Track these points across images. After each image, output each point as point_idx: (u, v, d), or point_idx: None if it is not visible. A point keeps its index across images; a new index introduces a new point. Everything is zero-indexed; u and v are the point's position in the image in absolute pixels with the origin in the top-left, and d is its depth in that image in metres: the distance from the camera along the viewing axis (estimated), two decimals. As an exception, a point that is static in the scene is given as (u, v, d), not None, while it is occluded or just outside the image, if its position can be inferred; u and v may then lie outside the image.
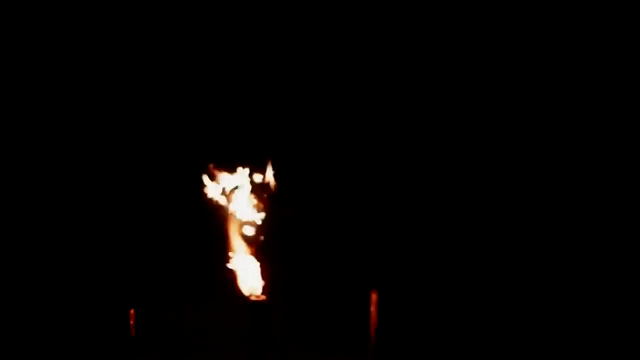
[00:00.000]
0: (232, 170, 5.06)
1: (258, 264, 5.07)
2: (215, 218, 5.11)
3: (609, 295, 7.10)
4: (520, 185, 7.83)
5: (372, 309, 5.32)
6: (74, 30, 7.73)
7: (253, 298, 5.04)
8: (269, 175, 5.08)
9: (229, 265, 5.06)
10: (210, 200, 5.08)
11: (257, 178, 5.06)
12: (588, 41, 7.58)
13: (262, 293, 5.06)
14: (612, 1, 7.48)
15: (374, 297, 5.32)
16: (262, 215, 5.07)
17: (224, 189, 5.06)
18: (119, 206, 7.87)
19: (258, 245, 5.09)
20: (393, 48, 7.94)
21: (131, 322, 5.44)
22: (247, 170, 5.06)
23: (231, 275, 5.08)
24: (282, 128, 7.93)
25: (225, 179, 5.05)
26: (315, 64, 7.96)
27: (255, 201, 5.06)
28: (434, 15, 7.83)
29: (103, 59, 7.85)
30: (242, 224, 5.09)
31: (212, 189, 5.07)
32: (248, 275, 5.05)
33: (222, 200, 5.05)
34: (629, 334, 6.62)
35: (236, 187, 5.03)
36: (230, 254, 5.08)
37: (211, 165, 5.02)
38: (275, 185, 5.06)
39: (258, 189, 5.05)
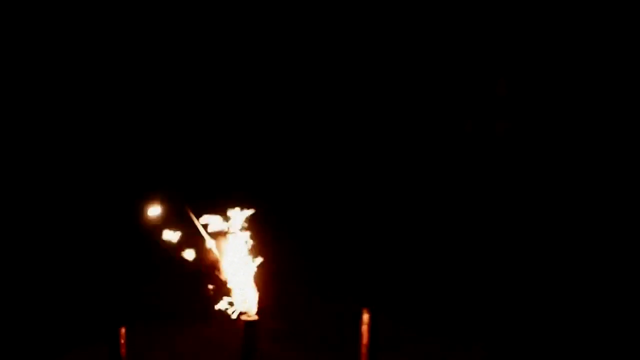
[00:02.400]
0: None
1: (252, 283, 5.07)
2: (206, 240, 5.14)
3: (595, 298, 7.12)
4: (506, 208, 7.85)
5: (364, 328, 5.32)
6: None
7: (245, 317, 5.04)
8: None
9: (224, 284, 5.06)
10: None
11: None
12: (588, 41, 7.57)
13: (255, 312, 5.06)
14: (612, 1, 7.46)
15: (365, 316, 5.32)
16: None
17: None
18: (111, 225, 7.86)
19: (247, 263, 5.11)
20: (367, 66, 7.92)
21: (122, 341, 5.42)
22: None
23: (224, 295, 5.07)
24: (277, 147, 7.93)
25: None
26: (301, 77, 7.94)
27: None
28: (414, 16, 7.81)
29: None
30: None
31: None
32: (241, 294, 5.05)
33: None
34: (629, 334, 6.63)
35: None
36: (223, 274, 5.09)
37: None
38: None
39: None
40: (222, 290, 5.16)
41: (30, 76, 7.59)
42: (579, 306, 7.15)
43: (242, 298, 5.10)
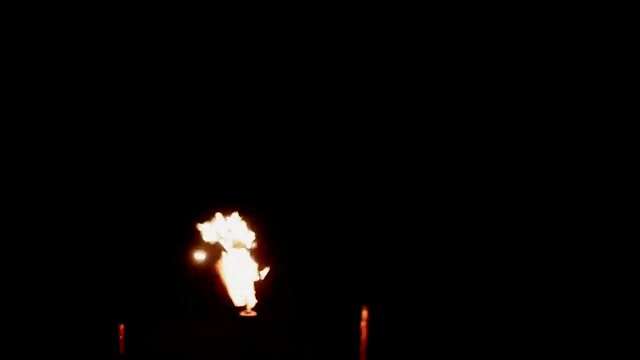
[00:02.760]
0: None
1: (251, 279, 5.08)
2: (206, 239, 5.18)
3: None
4: (503, 208, 7.83)
5: (363, 324, 5.32)
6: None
7: (243, 314, 5.04)
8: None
9: (221, 281, 5.07)
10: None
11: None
12: (588, 41, 7.54)
13: (253, 309, 5.06)
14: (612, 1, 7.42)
15: (364, 313, 5.32)
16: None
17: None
18: (110, 223, 7.86)
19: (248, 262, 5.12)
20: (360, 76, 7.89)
21: (120, 338, 5.43)
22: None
23: (223, 291, 5.08)
24: (276, 151, 7.94)
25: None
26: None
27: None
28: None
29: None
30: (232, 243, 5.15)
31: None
32: (240, 290, 5.06)
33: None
34: (629, 334, 6.63)
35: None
36: (221, 270, 5.10)
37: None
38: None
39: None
40: (223, 286, 5.17)
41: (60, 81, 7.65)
42: (578, 307, 7.15)
43: (241, 294, 5.11)
